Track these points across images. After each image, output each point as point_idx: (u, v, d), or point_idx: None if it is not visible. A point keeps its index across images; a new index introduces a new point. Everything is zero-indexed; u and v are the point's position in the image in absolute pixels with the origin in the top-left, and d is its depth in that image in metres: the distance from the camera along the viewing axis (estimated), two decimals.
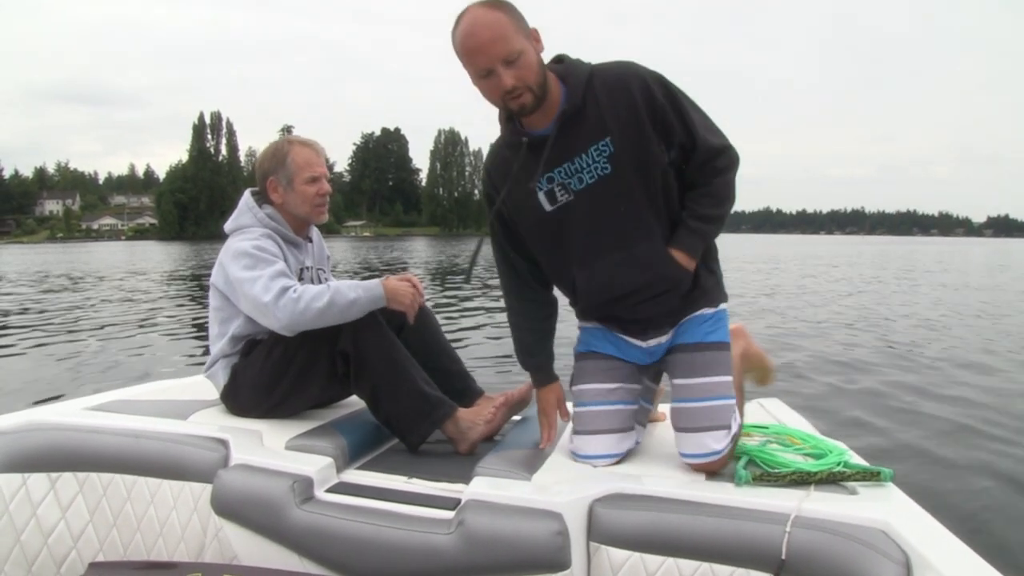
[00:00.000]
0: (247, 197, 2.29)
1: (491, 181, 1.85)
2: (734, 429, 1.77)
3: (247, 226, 2.23)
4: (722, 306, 1.89)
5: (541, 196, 1.76)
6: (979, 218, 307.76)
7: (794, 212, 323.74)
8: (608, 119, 1.68)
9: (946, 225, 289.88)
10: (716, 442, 1.73)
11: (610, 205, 1.72)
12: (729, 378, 1.81)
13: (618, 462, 1.87)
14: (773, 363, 2.15)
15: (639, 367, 1.94)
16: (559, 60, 1.77)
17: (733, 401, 1.80)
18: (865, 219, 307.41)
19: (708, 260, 1.86)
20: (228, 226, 2.26)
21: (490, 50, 1.57)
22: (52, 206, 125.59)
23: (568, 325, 2.04)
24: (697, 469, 1.78)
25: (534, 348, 1.98)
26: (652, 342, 1.89)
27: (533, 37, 1.64)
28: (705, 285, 1.84)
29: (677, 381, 1.85)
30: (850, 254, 36.83)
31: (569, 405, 2.01)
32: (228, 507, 1.79)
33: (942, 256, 35.72)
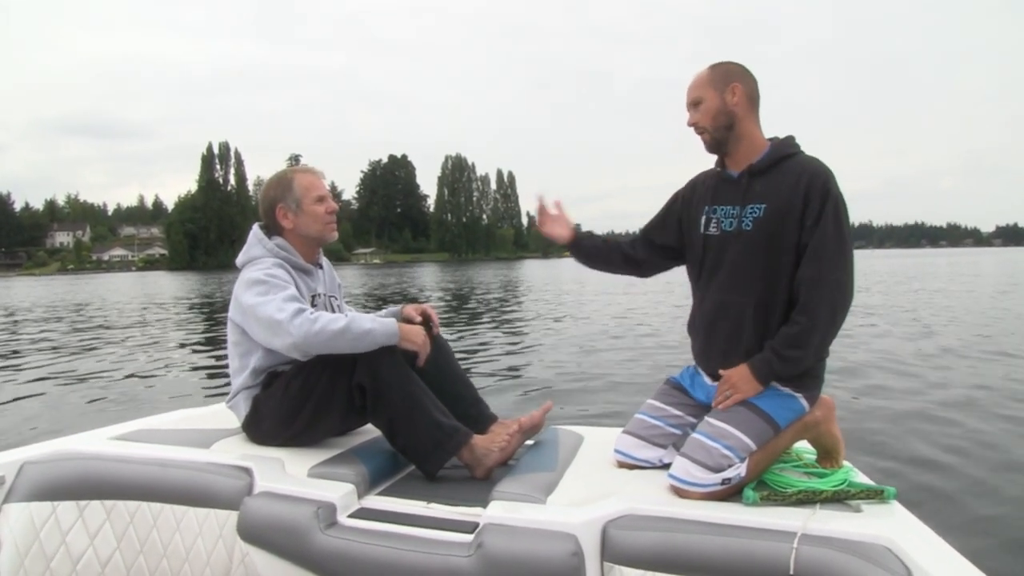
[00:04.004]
0: (256, 230, 2.36)
1: (691, 186, 2.18)
2: (728, 474, 1.78)
3: (258, 257, 2.29)
4: (791, 391, 1.91)
5: (703, 219, 2.07)
6: (987, 228, 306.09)
7: None
8: (773, 192, 1.93)
9: (955, 236, 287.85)
10: (700, 474, 1.78)
11: (736, 254, 1.98)
12: (748, 440, 1.83)
13: (633, 467, 2.04)
14: (843, 450, 2.02)
15: (703, 407, 2.07)
16: (775, 139, 2.03)
17: (735, 456, 1.81)
18: (874, 232, 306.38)
19: None
20: (240, 259, 2.32)
21: (687, 93, 2.03)
22: (63, 238, 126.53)
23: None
24: (673, 491, 1.82)
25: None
26: (715, 384, 2.04)
27: (730, 91, 1.95)
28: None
29: (706, 417, 1.94)
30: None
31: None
32: (254, 533, 1.85)
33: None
